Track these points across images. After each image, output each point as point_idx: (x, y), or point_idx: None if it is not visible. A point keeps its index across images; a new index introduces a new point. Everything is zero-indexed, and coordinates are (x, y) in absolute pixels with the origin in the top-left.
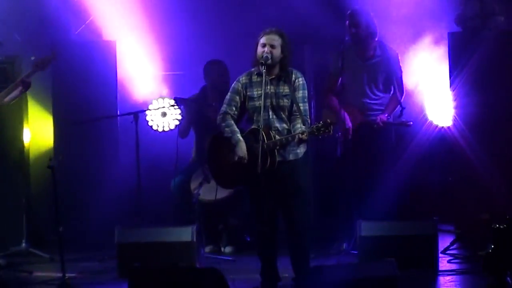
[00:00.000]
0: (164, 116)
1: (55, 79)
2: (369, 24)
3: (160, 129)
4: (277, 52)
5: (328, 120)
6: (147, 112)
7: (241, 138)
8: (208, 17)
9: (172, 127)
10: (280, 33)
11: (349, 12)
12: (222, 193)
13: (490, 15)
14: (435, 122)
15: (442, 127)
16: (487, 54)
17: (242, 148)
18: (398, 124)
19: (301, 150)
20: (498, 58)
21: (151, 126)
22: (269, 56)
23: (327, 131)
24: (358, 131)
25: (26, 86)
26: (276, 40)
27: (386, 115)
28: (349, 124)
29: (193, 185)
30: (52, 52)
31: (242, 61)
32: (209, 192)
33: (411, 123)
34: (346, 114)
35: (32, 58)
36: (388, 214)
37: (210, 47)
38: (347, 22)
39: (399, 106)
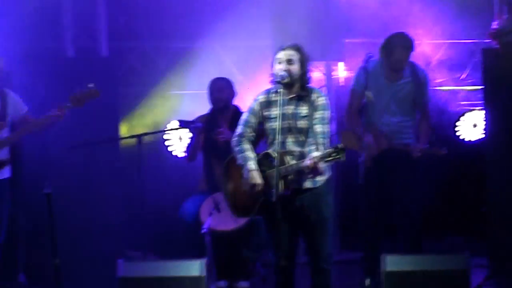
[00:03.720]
0: (181, 140)
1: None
2: (408, 50)
3: (179, 154)
4: (296, 68)
5: (339, 145)
6: (165, 136)
7: (253, 167)
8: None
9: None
10: (297, 47)
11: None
12: (235, 223)
13: None
14: (466, 138)
15: (473, 143)
16: None
17: (254, 178)
18: (432, 153)
19: (321, 177)
20: None
21: (171, 151)
22: (287, 74)
23: (338, 157)
24: (383, 157)
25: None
26: (294, 56)
27: (422, 142)
28: (374, 150)
29: (203, 215)
30: (95, 88)
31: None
32: (220, 221)
33: (446, 152)
34: (371, 137)
35: (90, 85)
36: (416, 247)
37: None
38: (387, 47)
39: (433, 133)
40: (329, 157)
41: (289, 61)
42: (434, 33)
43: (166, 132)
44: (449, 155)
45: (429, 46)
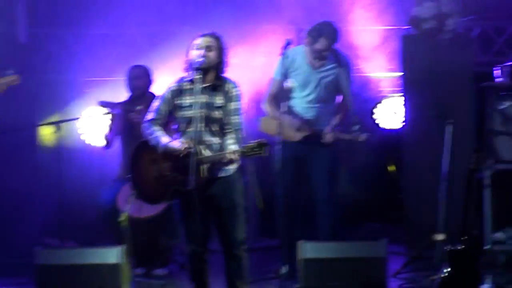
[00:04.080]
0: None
1: None
2: (335, 39)
3: (90, 142)
4: (214, 55)
5: (262, 141)
6: (77, 122)
7: (168, 139)
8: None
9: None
10: (216, 36)
11: (321, 26)
12: (152, 210)
13: (448, 16)
14: (384, 125)
15: (391, 130)
16: (442, 59)
17: (174, 146)
18: (351, 139)
19: (233, 166)
20: (453, 63)
21: (83, 138)
22: (205, 60)
23: (260, 152)
24: (303, 143)
25: None
26: (213, 43)
27: (334, 126)
28: (294, 138)
29: (120, 201)
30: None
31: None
32: (137, 208)
33: (366, 138)
34: (292, 119)
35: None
36: (334, 234)
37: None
38: (313, 34)
39: (355, 119)
40: (251, 151)
41: (208, 48)
42: (358, 19)
43: (81, 118)
44: (369, 141)
45: (354, 33)
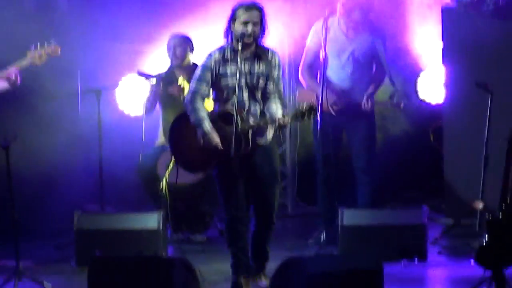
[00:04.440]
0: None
1: None
2: (368, 7)
3: (127, 111)
4: (258, 29)
5: (312, 103)
6: (115, 91)
7: (209, 128)
8: None
9: (140, 111)
10: (260, 8)
11: None
12: (192, 177)
13: None
14: (427, 100)
15: (433, 104)
16: (483, 30)
17: (211, 139)
18: (388, 107)
19: (270, 134)
20: (495, 34)
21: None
22: (253, 36)
23: (310, 115)
24: (340, 112)
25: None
26: (258, 18)
27: (370, 94)
28: (336, 99)
29: (160, 168)
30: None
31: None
32: (179, 175)
33: (402, 105)
34: (328, 91)
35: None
36: (373, 202)
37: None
38: (345, 4)
39: (391, 86)
40: (301, 115)
41: (255, 24)
42: None
43: (120, 87)
44: (408, 110)
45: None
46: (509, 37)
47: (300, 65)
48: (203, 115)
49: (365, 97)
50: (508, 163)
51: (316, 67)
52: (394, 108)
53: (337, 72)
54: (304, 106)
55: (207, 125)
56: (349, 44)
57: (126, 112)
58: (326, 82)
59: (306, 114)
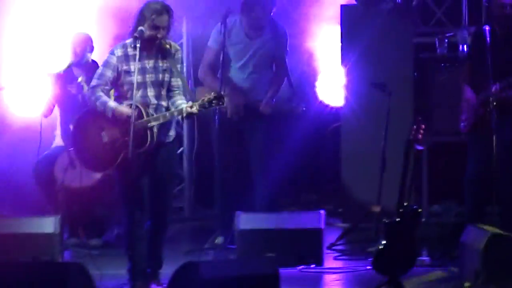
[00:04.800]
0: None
1: None
2: (270, 7)
3: (22, 112)
4: (165, 32)
5: (223, 92)
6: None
7: (115, 104)
8: None
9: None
10: (170, 12)
11: None
12: (89, 180)
13: None
14: (327, 102)
15: (334, 107)
16: (382, 29)
17: (122, 109)
18: (289, 110)
19: (172, 132)
20: (394, 33)
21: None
22: (160, 37)
23: (220, 103)
24: (238, 114)
25: None
26: (168, 21)
27: (270, 97)
28: (238, 99)
29: (57, 171)
30: None
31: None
32: (74, 178)
33: (304, 108)
34: (232, 91)
35: None
36: (271, 206)
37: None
38: (248, 3)
39: (290, 88)
40: (210, 103)
41: (164, 28)
42: None
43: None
44: (307, 112)
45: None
46: (407, 35)
47: (201, 64)
48: (106, 99)
49: (264, 100)
50: (405, 166)
51: (218, 66)
52: (293, 111)
53: (238, 72)
54: (212, 94)
55: (112, 102)
56: (251, 43)
57: (19, 113)
58: (228, 82)
59: (213, 101)
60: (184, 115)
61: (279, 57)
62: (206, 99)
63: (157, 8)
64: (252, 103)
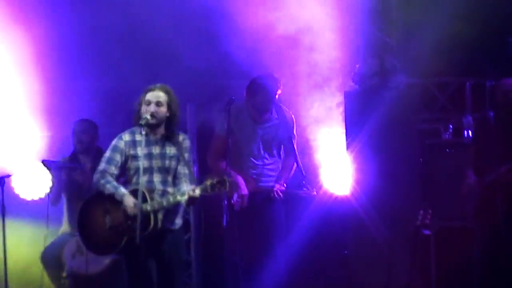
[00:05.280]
0: (33, 182)
1: None
2: (273, 90)
3: (29, 197)
4: (163, 110)
5: (225, 177)
6: (12, 177)
7: (126, 191)
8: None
9: (42, 195)
10: (166, 89)
11: (257, 81)
12: (97, 266)
13: (390, 73)
14: (332, 191)
15: (339, 196)
16: (386, 115)
17: (130, 202)
18: (300, 195)
19: (179, 220)
20: (398, 119)
21: (19, 193)
22: (153, 116)
23: (223, 188)
24: (249, 200)
25: None
26: (162, 98)
27: (282, 183)
28: (245, 190)
29: (65, 257)
30: None
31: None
32: (82, 264)
33: (315, 193)
34: (241, 179)
35: None
36: None
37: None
38: (252, 88)
39: (300, 173)
40: (213, 187)
41: (158, 103)
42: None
43: (19, 174)
44: (318, 198)
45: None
46: (411, 121)
47: (209, 151)
48: (116, 184)
49: (276, 185)
50: (413, 252)
51: (224, 154)
52: (305, 196)
53: (247, 158)
54: (215, 179)
55: (122, 190)
56: (258, 128)
57: (28, 198)
58: (237, 169)
59: (216, 186)
60: (186, 197)
61: (287, 142)
62: (208, 183)
63: (149, 87)
64: (264, 190)
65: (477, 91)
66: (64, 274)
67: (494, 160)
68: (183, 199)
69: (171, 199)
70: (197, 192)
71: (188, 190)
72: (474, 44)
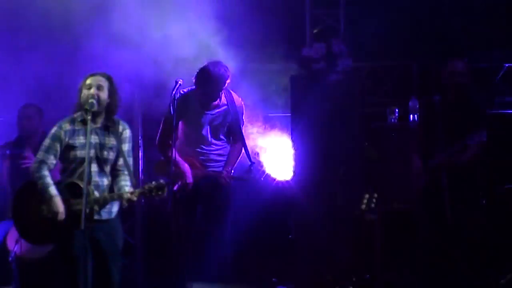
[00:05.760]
0: None
1: None
2: (223, 79)
3: None
4: (104, 95)
5: (162, 182)
6: None
7: (56, 192)
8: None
9: None
10: (107, 76)
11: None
12: (43, 250)
13: (337, 57)
14: (274, 175)
15: (281, 181)
16: (332, 99)
17: (57, 204)
18: (247, 180)
19: (115, 208)
20: (343, 104)
21: None
22: (95, 101)
23: (160, 193)
24: (197, 184)
25: None
26: (104, 82)
27: (230, 169)
28: (190, 179)
29: (10, 242)
30: None
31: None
32: (27, 249)
33: (263, 178)
34: (187, 167)
35: None
36: (223, 276)
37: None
38: (202, 77)
39: (248, 160)
40: (150, 192)
41: (99, 87)
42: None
43: None
44: (264, 182)
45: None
46: (356, 106)
47: (158, 135)
48: (49, 181)
49: (224, 171)
50: (358, 233)
51: (173, 138)
52: (253, 182)
53: (195, 143)
54: (153, 184)
55: (53, 189)
56: (206, 114)
57: None
58: (185, 154)
59: (154, 191)
60: (124, 202)
61: (235, 127)
62: (147, 187)
63: (89, 73)
64: (211, 175)
65: (424, 74)
66: (10, 260)
67: (440, 144)
68: (120, 199)
69: (108, 197)
70: (134, 196)
71: (126, 192)
72: (420, 26)
